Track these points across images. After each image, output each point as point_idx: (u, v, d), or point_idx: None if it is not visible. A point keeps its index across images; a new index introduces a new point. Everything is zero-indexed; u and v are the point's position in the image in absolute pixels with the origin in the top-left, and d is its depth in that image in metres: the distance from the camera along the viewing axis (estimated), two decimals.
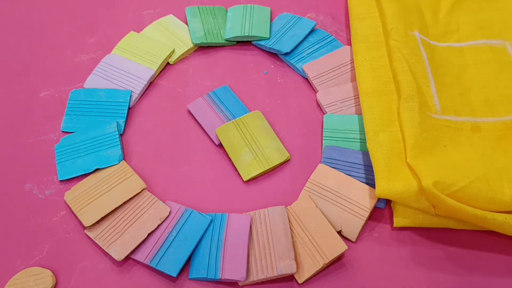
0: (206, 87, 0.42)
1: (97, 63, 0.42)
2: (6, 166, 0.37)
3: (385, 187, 0.31)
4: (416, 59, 0.37)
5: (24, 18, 0.47)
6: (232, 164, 0.37)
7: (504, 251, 0.32)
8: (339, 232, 0.33)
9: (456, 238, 0.33)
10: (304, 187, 0.35)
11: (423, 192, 0.30)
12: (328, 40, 0.43)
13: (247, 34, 0.43)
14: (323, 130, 0.38)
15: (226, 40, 0.44)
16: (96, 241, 0.33)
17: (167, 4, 0.48)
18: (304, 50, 0.43)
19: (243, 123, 0.38)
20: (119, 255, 0.32)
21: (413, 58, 0.37)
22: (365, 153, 0.36)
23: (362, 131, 0.37)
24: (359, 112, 0.38)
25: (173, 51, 0.43)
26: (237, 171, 0.37)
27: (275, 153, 0.37)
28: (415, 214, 0.33)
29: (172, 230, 0.33)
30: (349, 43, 0.44)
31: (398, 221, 0.33)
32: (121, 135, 0.39)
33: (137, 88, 0.41)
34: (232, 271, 0.31)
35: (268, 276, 0.31)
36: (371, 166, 0.34)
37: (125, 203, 0.34)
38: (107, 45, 0.44)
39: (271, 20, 0.45)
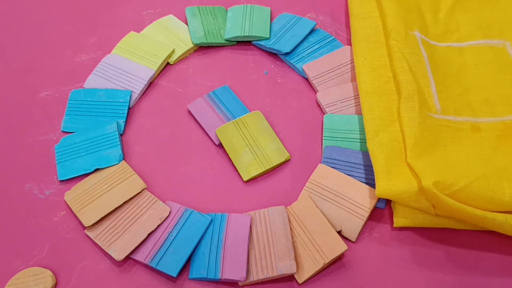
0: (206, 87, 0.42)
1: (97, 63, 0.42)
2: (6, 166, 0.37)
3: (385, 187, 0.31)
4: (416, 59, 0.37)
5: (24, 18, 0.47)
6: (232, 164, 0.37)
7: (504, 251, 0.32)
8: (339, 232, 0.33)
9: (456, 238, 0.33)
10: (304, 187, 0.35)
11: (423, 192, 0.30)
12: (328, 40, 0.43)
13: (247, 34, 0.43)
14: (323, 130, 0.38)
15: (226, 40, 0.44)
16: (96, 241, 0.33)
17: (167, 4, 0.48)
18: (304, 50, 0.43)
19: (243, 123, 0.38)
20: (119, 255, 0.32)
21: (413, 58, 0.37)
22: (365, 153, 0.36)
23: (362, 131, 0.37)
24: (359, 112, 0.38)
25: (173, 51, 0.43)
26: (237, 171, 0.37)
27: (275, 153, 0.37)
28: (415, 214, 0.33)
29: (172, 230, 0.33)
30: (349, 43, 0.44)
31: (398, 221, 0.33)
32: (121, 135, 0.39)
33: (137, 88, 0.41)
34: (232, 271, 0.31)
35: (268, 276, 0.31)
36: (371, 166, 0.34)
37: (125, 203, 0.34)
38: (107, 45, 0.44)
39: (271, 20, 0.45)
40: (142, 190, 0.35)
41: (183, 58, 0.44)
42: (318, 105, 0.40)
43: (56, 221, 0.34)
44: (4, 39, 0.46)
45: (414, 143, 0.33)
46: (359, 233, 0.33)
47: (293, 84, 0.42)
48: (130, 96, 0.40)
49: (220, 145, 0.38)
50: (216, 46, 0.45)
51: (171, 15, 0.46)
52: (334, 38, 0.44)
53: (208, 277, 0.31)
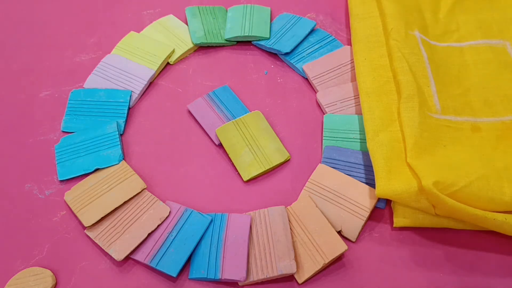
0: (206, 87, 0.42)
1: (97, 63, 0.42)
2: (6, 166, 0.37)
3: (385, 187, 0.31)
4: (416, 59, 0.37)
5: (24, 18, 0.47)
6: (232, 164, 0.37)
7: (504, 251, 0.32)
8: (339, 232, 0.33)
9: (456, 238, 0.33)
10: (304, 187, 0.35)
11: (423, 192, 0.30)
12: (328, 40, 0.43)
13: (247, 34, 0.43)
14: (323, 130, 0.38)
15: (226, 40, 0.44)
16: (96, 241, 0.33)
17: (167, 4, 0.48)
18: (304, 50, 0.43)
19: (243, 123, 0.38)
20: (119, 255, 0.32)
21: (413, 58, 0.37)
22: (365, 153, 0.36)
23: (362, 131, 0.37)
24: (359, 112, 0.38)
25: (173, 51, 0.43)
26: (237, 171, 0.37)
27: (275, 153, 0.37)
28: (415, 214, 0.33)
29: (172, 230, 0.33)
30: (349, 43, 0.44)
31: (398, 221, 0.33)
32: (121, 135, 0.39)
33: (137, 88, 0.41)
34: (232, 271, 0.31)
35: (268, 276, 0.31)
36: (371, 166, 0.34)
37: (125, 203, 0.34)
38: (107, 45, 0.44)
39: (271, 20, 0.45)
40: (142, 190, 0.35)
41: (183, 58, 0.44)
42: (318, 105, 0.40)
43: (56, 221, 0.34)
44: (4, 39, 0.46)
45: (414, 143, 0.33)
46: (359, 233, 0.33)
47: (293, 84, 0.42)
48: (130, 96, 0.40)
49: (220, 145, 0.38)
50: (216, 46, 0.45)
51: (171, 15, 0.46)
52: (334, 38, 0.44)
53: (208, 277, 0.31)
